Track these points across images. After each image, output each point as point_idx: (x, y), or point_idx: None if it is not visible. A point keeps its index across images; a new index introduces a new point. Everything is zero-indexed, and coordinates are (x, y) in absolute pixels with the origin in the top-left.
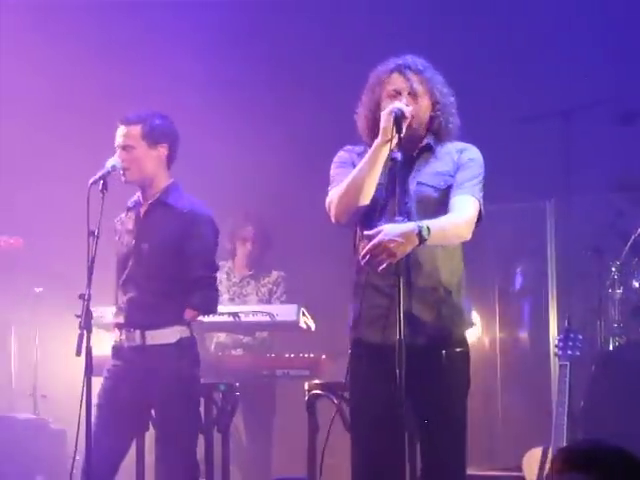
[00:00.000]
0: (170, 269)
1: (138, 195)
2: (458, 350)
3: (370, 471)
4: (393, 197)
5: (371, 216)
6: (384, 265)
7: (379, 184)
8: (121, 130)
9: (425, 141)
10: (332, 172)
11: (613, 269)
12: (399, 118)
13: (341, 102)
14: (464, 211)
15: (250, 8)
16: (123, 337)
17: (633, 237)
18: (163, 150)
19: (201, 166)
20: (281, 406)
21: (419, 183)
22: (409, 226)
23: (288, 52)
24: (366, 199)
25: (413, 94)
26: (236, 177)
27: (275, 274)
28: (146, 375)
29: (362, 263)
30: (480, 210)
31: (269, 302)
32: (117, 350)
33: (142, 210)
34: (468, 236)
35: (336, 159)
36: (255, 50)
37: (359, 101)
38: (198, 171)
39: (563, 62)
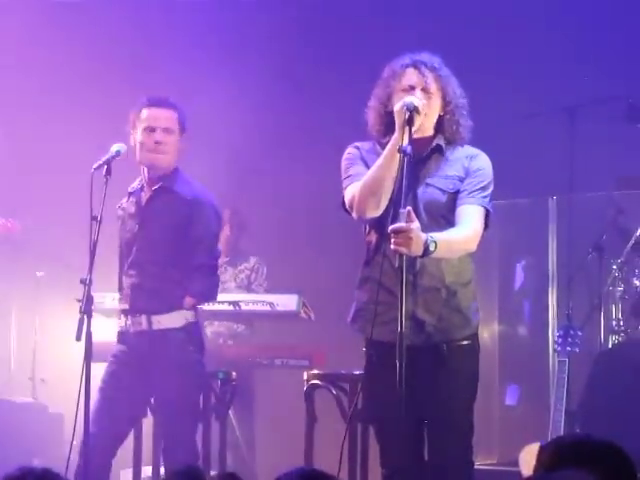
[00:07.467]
0: (175, 255)
1: (139, 180)
2: (460, 347)
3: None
4: (402, 192)
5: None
6: (394, 247)
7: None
8: (160, 112)
9: (435, 142)
10: (344, 168)
11: (614, 267)
12: (412, 112)
13: (340, 91)
14: (471, 224)
15: None
16: (129, 322)
17: (635, 235)
18: (183, 140)
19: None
20: (279, 396)
21: (428, 185)
22: (423, 235)
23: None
24: (387, 194)
25: (426, 90)
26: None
27: (253, 260)
28: (150, 360)
29: (389, 230)
30: (487, 218)
31: (248, 289)
32: (122, 336)
33: (145, 196)
34: (474, 248)
35: (346, 155)
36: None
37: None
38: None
39: (568, 58)
